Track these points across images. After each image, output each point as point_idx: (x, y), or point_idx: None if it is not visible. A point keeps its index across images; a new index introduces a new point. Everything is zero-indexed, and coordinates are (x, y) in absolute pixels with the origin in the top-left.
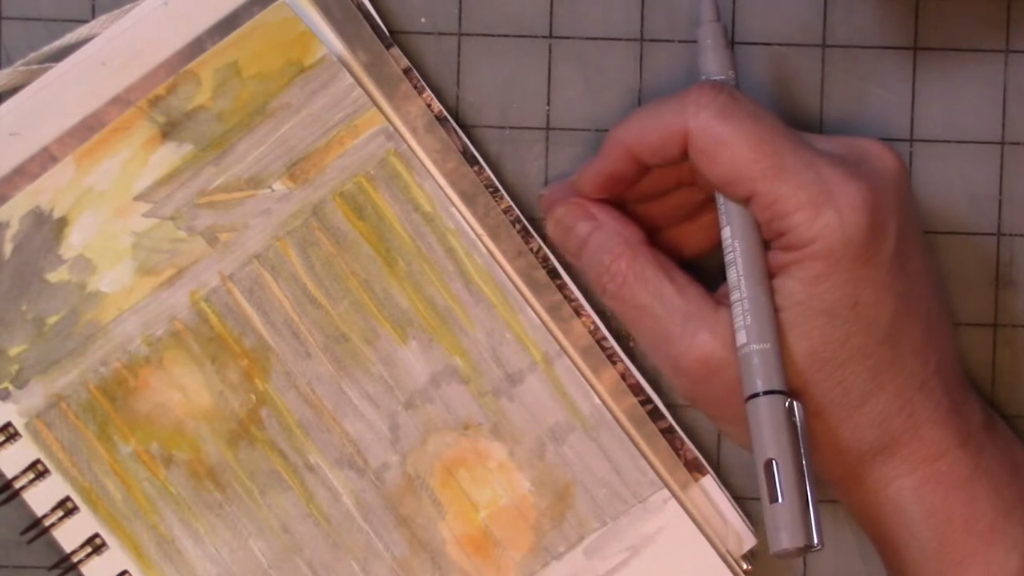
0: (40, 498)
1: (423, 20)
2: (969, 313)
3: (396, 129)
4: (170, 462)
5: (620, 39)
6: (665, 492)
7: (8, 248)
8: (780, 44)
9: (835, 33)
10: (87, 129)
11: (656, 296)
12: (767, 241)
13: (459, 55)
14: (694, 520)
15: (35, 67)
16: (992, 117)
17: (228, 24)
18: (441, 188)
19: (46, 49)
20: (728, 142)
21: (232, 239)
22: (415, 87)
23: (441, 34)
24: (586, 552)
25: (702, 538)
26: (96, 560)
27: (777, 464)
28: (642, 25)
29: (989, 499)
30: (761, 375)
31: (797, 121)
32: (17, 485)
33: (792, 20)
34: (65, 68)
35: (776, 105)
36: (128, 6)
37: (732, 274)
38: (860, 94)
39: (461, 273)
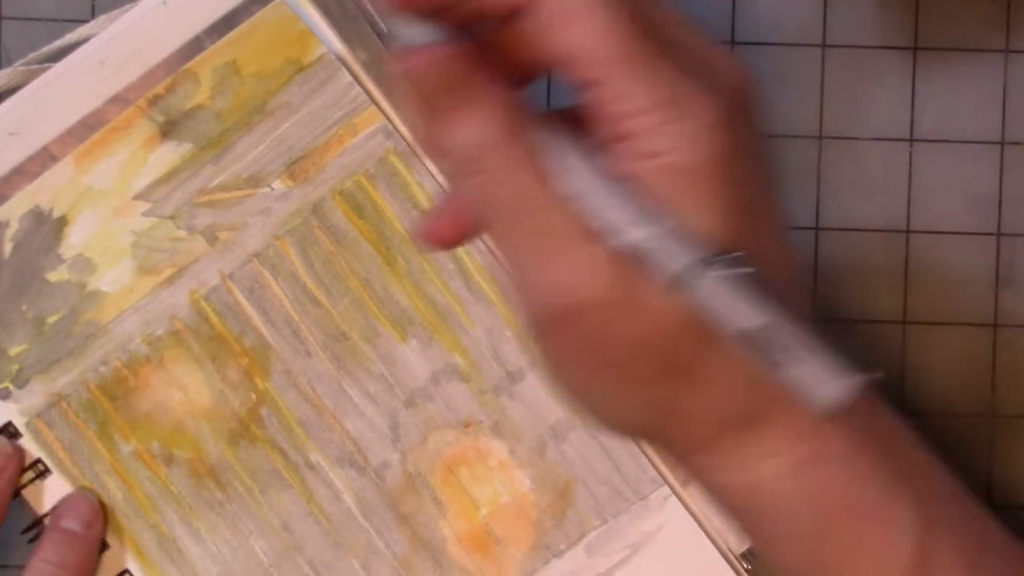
0: (41, 497)
1: None
2: (969, 313)
3: (395, 127)
4: (171, 461)
5: None
6: (666, 489)
7: (8, 248)
8: (780, 44)
9: (835, 33)
10: (86, 129)
11: (536, 204)
12: (597, 147)
13: None
14: (695, 517)
15: (35, 67)
16: (992, 117)
17: (227, 23)
18: (441, 186)
19: (46, 49)
20: (587, 12)
21: (232, 238)
22: None
23: None
24: (587, 549)
25: (703, 535)
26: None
27: (768, 326)
28: None
29: (874, 477)
30: (680, 249)
31: (796, 121)
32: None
33: (792, 20)
34: (64, 68)
35: (776, 105)
36: (127, 6)
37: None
38: (860, 94)
39: (461, 271)
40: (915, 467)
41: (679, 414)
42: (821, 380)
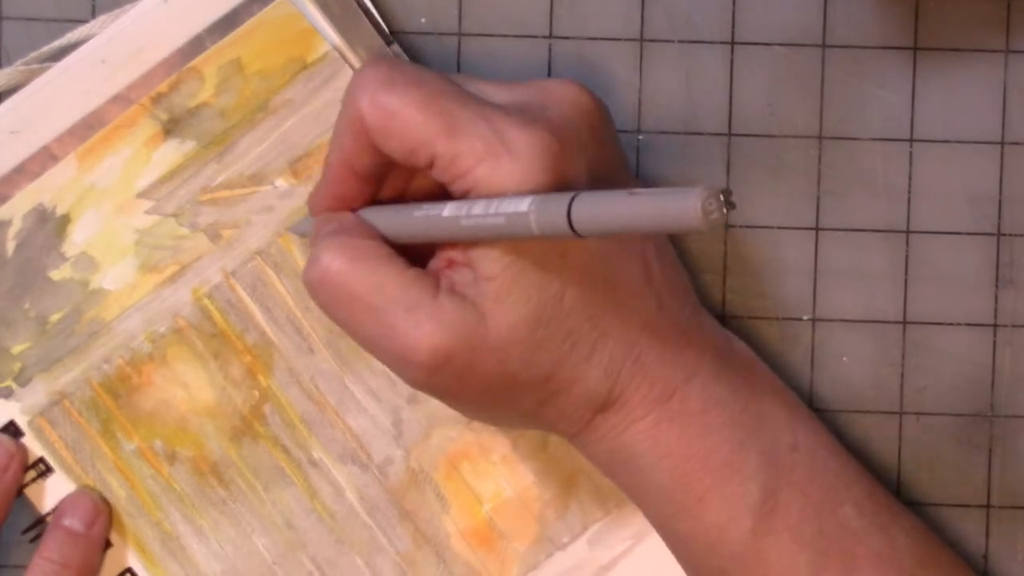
0: (43, 497)
1: (423, 20)
2: (969, 313)
3: None
4: (174, 459)
5: (620, 39)
6: None
7: (11, 246)
8: (780, 44)
9: (835, 33)
10: (88, 127)
11: (372, 285)
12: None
13: (459, 55)
14: None
15: (35, 67)
16: (992, 117)
17: (228, 22)
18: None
19: (46, 49)
20: (397, 112)
21: (235, 236)
22: None
23: (441, 34)
24: (590, 542)
25: None
26: None
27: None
28: (642, 25)
29: (724, 430)
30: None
31: (796, 121)
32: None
33: (792, 20)
34: (66, 66)
35: (776, 105)
36: (128, 5)
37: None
38: (860, 94)
39: None
40: (767, 420)
41: (553, 415)
42: (674, 197)
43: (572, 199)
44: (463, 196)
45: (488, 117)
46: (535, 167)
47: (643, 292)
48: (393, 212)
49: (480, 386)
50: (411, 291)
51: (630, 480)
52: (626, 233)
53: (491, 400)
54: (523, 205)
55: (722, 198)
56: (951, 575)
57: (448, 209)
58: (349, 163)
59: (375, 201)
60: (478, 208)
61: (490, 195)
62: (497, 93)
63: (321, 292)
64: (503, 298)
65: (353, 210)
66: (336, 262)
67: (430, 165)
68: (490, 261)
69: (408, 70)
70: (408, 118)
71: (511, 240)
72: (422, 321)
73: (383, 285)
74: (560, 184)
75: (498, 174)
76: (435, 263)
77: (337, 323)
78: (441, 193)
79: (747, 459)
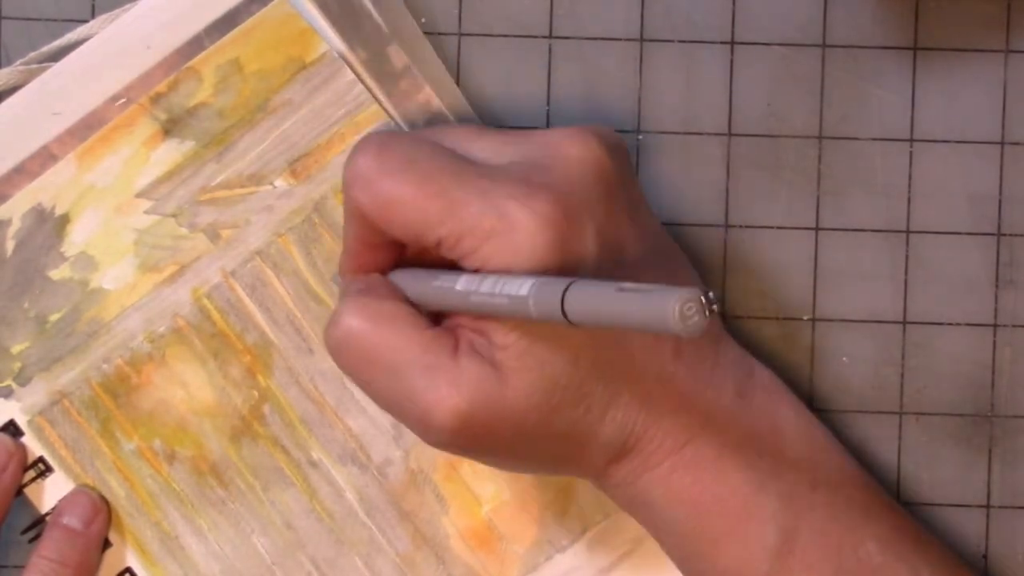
0: (42, 496)
1: (423, 20)
2: (969, 313)
3: (397, 125)
4: (173, 459)
5: (620, 39)
6: None
7: (10, 246)
8: (780, 44)
9: (835, 33)
10: (87, 128)
11: (392, 347)
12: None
13: (459, 55)
14: None
15: (35, 67)
16: (992, 117)
17: (227, 22)
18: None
19: (46, 49)
20: (394, 203)
21: (234, 236)
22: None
23: (441, 34)
24: (590, 544)
25: None
26: None
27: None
28: (642, 25)
29: (740, 474)
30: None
31: (796, 121)
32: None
33: (792, 20)
34: (64, 66)
35: (776, 105)
36: (128, 5)
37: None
38: (860, 94)
39: None
40: (787, 460)
41: (571, 467)
42: (656, 298)
43: (566, 289)
44: (475, 271)
45: (487, 192)
46: (538, 244)
47: (657, 343)
48: (414, 278)
49: (498, 445)
50: (429, 353)
51: (648, 522)
52: (615, 329)
53: (510, 457)
54: (524, 288)
55: (703, 301)
56: None
57: (461, 283)
58: (363, 241)
59: (402, 259)
60: (486, 286)
61: (498, 271)
62: (497, 150)
63: (342, 352)
64: (518, 365)
65: (382, 271)
66: (356, 322)
67: (438, 246)
68: (501, 333)
69: (399, 150)
70: (407, 206)
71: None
72: (441, 384)
73: (402, 347)
74: (565, 256)
75: (503, 253)
76: (452, 321)
77: (358, 384)
78: None
79: (765, 502)
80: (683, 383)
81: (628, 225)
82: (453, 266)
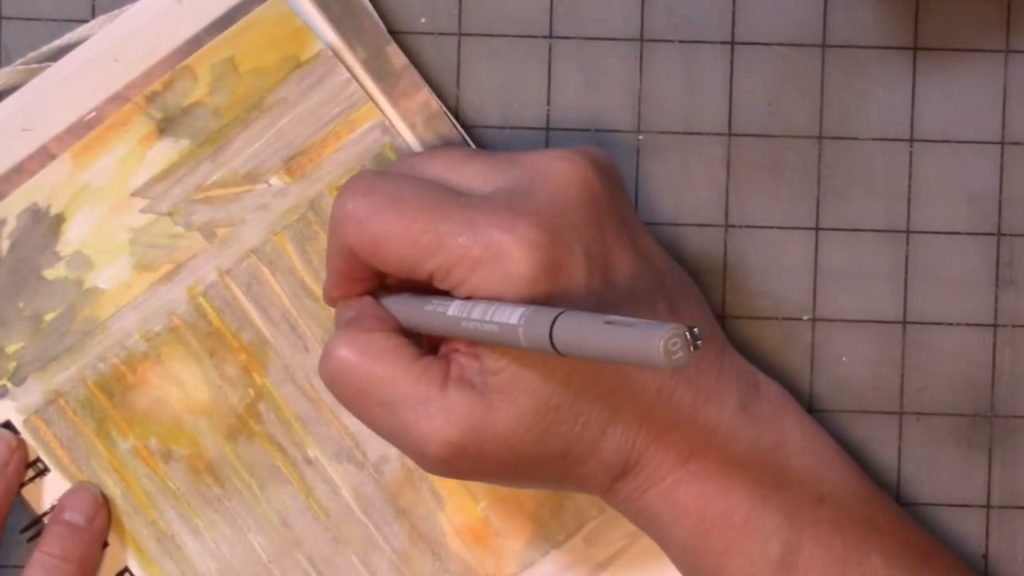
0: (40, 496)
1: (423, 20)
2: (969, 313)
3: (392, 123)
4: (169, 458)
5: (620, 39)
6: None
7: (5, 245)
8: (780, 44)
9: (835, 33)
10: (84, 126)
11: (382, 380)
12: None
13: (459, 55)
14: None
15: (35, 67)
16: (992, 117)
17: (226, 21)
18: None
19: (46, 49)
20: (383, 241)
21: (229, 234)
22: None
23: (441, 34)
24: (585, 540)
25: None
26: None
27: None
28: (642, 25)
29: (744, 489)
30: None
31: (796, 121)
32: None
33: (792, 20)
34: (62, 66)
35: (776, 105)
36: (127, 5)
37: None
38: (860, 94)
39: None
40: (792, 474)
41: (575, 483)
42: (642, 333)
43: (554, 320)
44: (467, 299)
45: (472, 223)
46: (525, 270)
47: None
48: (406, 303)
49: (496, 468)
50: (419, 386)
51: (656, 536)
52: (602, 360)
53: (509, 477)
54: (514, 317)
55: (688, 336)
56: None
57: (452, 308)
58: (348, 275)
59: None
60: (477, 312)
61: (489, 298)
62: (484, 177)
63: (336, 385)
64: (509, 389)
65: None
66: (348, 355)
67: (430, 279)
68: (493, 358)
69: (385, 189)
70: (397, 244)
71: None
72: (432, 415)
73: (393, 380)
74: (554, 277)
75: (491, 281)
76: (446, 347)
77: (354, 414)
78: None
79: (768, 516)
80: (684, 397)
81: (620, 246)
82: (447, 296)
